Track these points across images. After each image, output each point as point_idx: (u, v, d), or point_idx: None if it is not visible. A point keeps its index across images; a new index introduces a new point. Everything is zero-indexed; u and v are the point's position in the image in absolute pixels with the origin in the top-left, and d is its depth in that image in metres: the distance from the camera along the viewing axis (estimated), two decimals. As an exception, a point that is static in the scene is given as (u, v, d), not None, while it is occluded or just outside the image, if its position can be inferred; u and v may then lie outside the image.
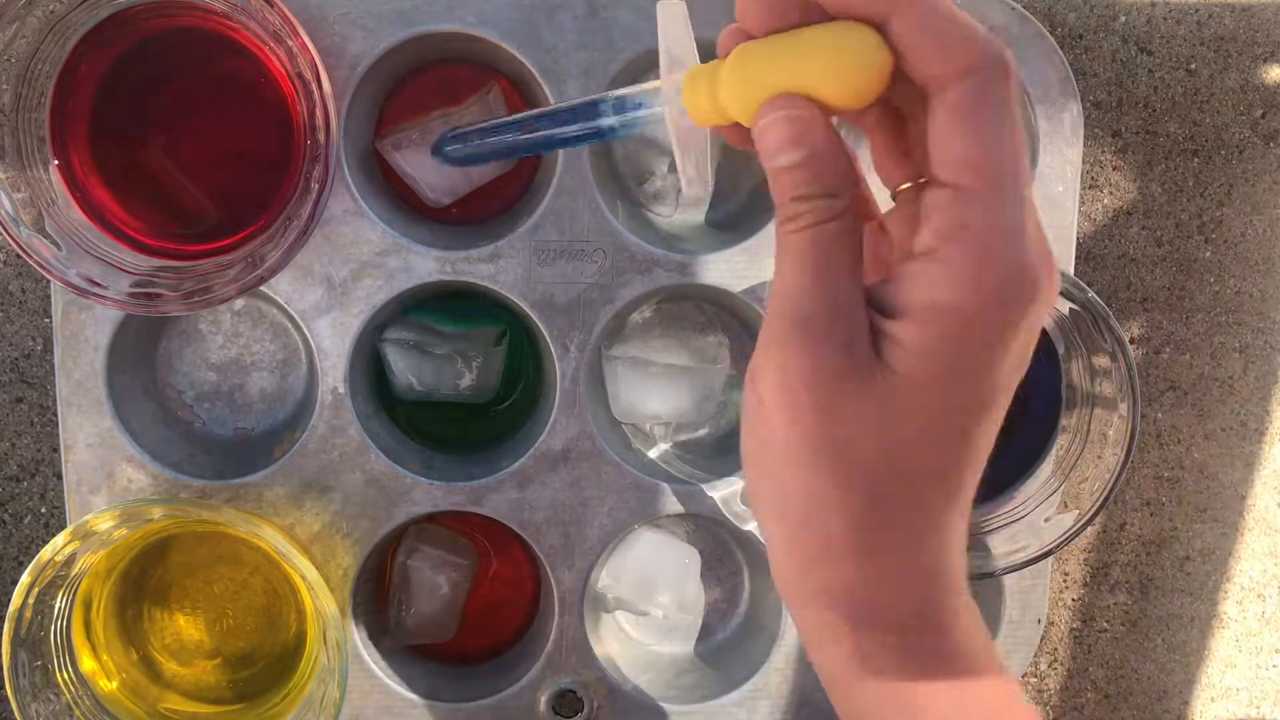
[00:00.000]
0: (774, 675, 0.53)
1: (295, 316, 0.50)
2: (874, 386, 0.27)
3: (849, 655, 0.29)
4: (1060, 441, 0.50)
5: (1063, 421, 0.50)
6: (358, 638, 0.52)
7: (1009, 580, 0.53)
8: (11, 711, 0.46)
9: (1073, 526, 0.47)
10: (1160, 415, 0.58)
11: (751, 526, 0.51)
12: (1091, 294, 0.45)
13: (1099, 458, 0.48)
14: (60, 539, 0.45)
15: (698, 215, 0.55)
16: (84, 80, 0.47)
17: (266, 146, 0.49)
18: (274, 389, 0.54)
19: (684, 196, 0.36)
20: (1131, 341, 0.58)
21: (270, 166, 0.48)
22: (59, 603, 0.48)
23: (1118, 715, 0.60)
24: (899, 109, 0.30)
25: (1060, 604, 0.59)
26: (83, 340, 0.49)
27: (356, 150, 0.50)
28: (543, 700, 0.52)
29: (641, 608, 0.55)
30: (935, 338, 0.26)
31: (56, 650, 0.48)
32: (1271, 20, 0.56)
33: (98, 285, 0.45)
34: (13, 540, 0.56)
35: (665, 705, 0.53)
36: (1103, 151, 0.56)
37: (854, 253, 0.27)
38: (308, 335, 0.50)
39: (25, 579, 0.45)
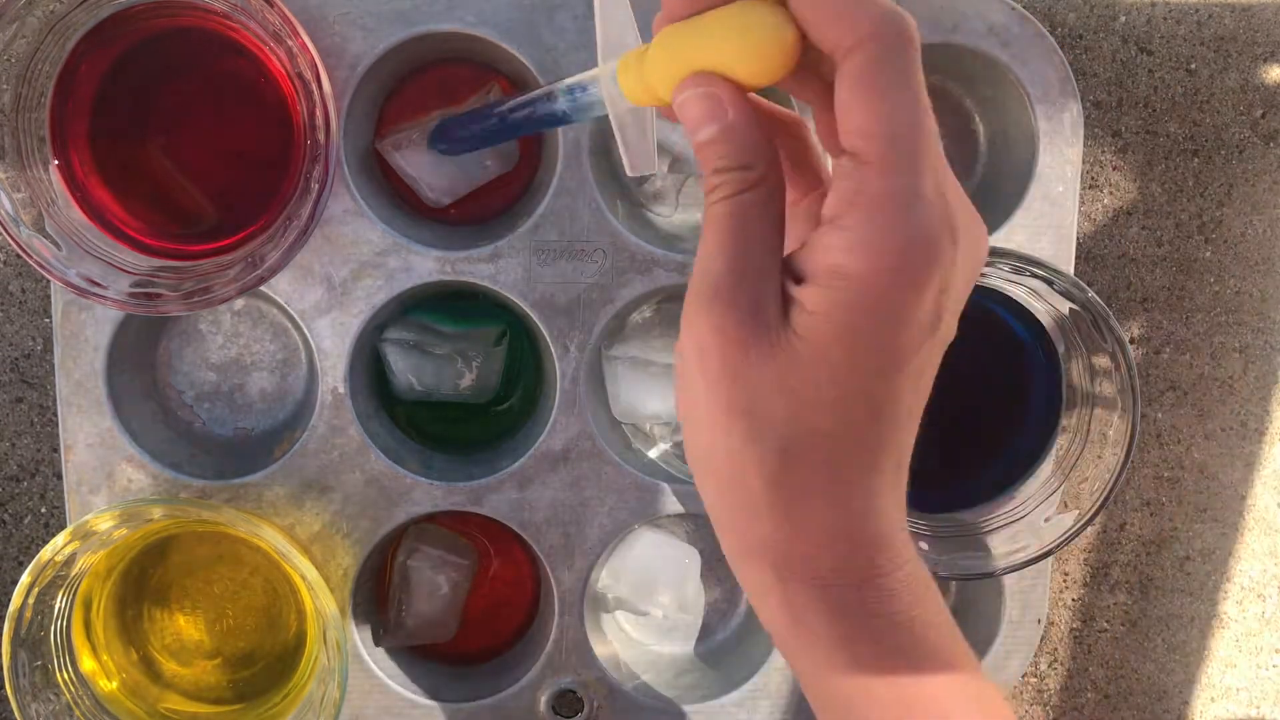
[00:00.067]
0: (774, 675, 0.53)
1: (295, 316, 0.50)
2: (779, 349, 0.28)
3: (780, 607, 0.30)
4: (1060, 441, 0.50)
5: (1063, 421, 0.50)
6: (358, 638, 0.52)
7: (1009, 580, 0.53)
8: (11, 711, 0.46)
9: (1073, 526, 0.47)
10: (1160, 415, 0.58)
11: None
12: (1091, 294, 0.45)
13: (1099, 458, 0.48)
14: (60, 539, 0.45)
15: (697, 215, 0.55)
16: (84, 80, 0.47)
17: (266, 146, 0.49)
18: (274, 389, 0.54)
19: (627, 174, 0.38)
20: (1131, 341, 0.58)
21: (270, 166, 0.48)
22: (59, 603, 0.48)
23: (1118, 715, 0.60)
24: (832, 82, 0.31)
25: (1060, 604, 0.59)
26: (83, 340, 0.49)
27: (356, 150, 0.50)
28: (543, 700, 0.52)
29: (641, 608, 0.55)
30: (833, 303, 0.27)
31: (56, 650, 0.48)
32: (1271, 20, 0.56)
33: (98, 285, 0.45)
34: (13, 540, 0.56)
35: (665, 705, 0.53)
36: (1103, 151, 0.56)
37: (769, 221, 0.29)
38: (308, 335, 0.50)
39: (25, 579, 0.45)
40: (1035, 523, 0.49)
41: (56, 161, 0.47)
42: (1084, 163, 0.56)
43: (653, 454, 0.55)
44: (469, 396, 0.53)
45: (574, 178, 0.50)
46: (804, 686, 0.32)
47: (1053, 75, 0.50)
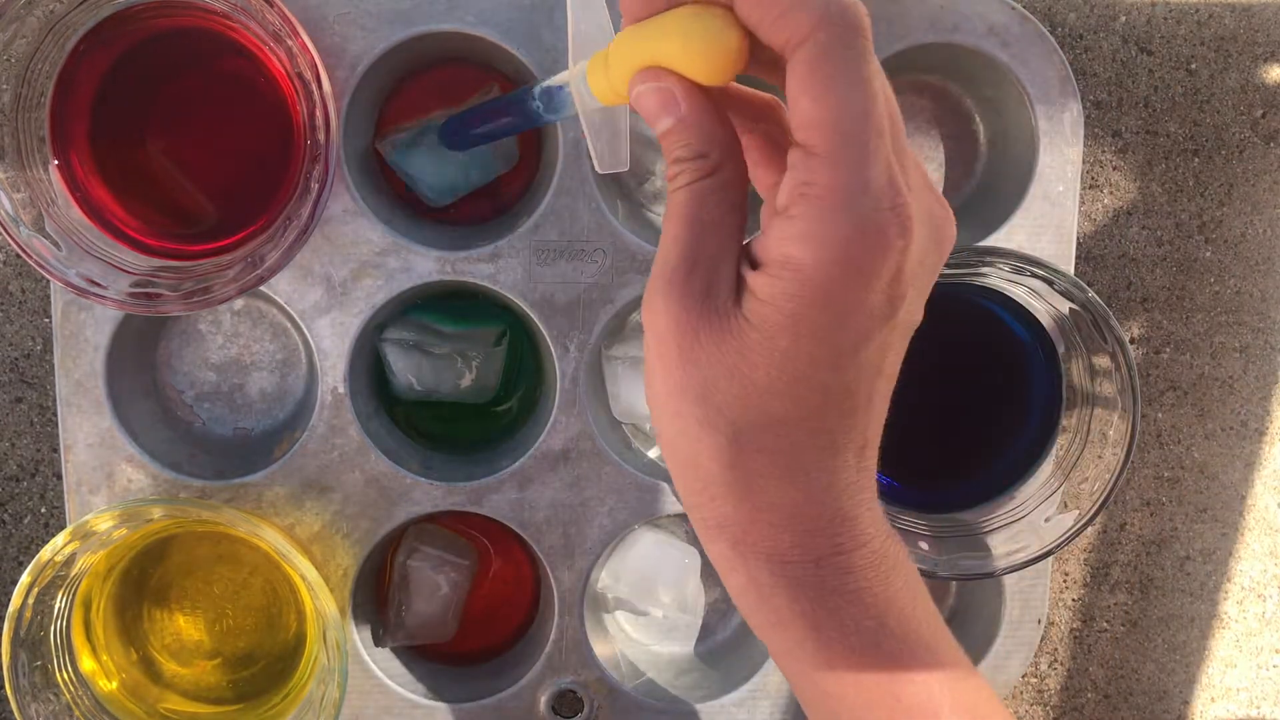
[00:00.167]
0: (774, 675, 0.53)
1: (295, 316, 0.50)
2: (729, 334, 0.28)
3: (746, 583, 0.31)
4: (1060, 441, 0.50)
5: (1063, 421, 0.50)
6: (357, 638, 0.52)
7: (1009, 580, 0.53)
8: (11, 711, 0.46)
9: (1073, 526, 0.47)
10: (1160, 415, 0.58)
11: None
12: (1091, 294, 0.45)
13: (1099, 458, 0.48)
14: (60, 539, 0.45)
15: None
16: (84, 80, 0.47)
17: (266, 146, 0.49)
18: (274, 389, 0.54)
19: (598, 172, 0.39)
20: (1131, 341, 0.58)
21: (270, 166, 0.48)
22: (59, 603, 0.48)
23: (1118, 715, 0.60)
24: None
25: (1060, 604, 0.59)
26: (83, 340, 0.49)
27: (356, 150, 0.50)
28: (543, 700, 0.52)
29: (641, 608, 0.55)
30: (782, 292, 0.28)
31: (56, 650, 0.48)
32: (1271, 20, 0.56)
33: (98, 285, 0.45)
34: (13, 540, 0.56)
35: (665, 705, 0.53)
36: (1103, 151, 0.56)
37: (725, 208, 0.30)
38: (308, 335, 0.50)
39: (25, 579, 0.45)
40: (1035, 523, 0.49)
41: (56, 161, 0.47)
42: (1084, 163, 0.56)
43: (653, 454, 0.55)
44: (469, 396, 0.53)
45: (574, 178, 0.50)
46: (793, 688, 0.33)
47: (1053, 75, 0.50)
